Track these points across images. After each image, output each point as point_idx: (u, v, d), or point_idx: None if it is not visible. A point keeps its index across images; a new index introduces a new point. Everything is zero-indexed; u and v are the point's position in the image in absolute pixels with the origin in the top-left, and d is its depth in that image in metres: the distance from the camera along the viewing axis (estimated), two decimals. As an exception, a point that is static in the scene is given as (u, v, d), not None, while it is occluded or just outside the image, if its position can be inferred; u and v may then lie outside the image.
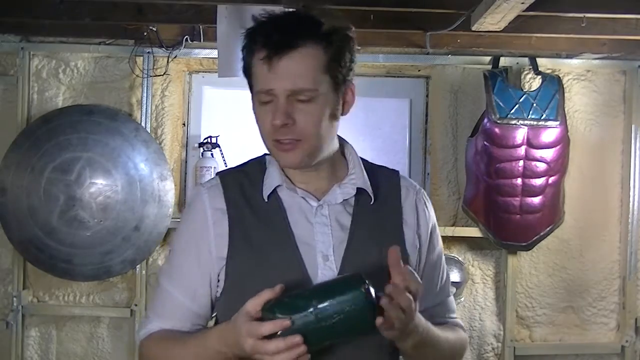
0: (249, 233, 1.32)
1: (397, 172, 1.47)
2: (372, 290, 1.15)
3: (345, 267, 1.30)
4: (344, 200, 1.35)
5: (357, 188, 1.36)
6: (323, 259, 1.30)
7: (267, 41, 1.24)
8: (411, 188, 1.44)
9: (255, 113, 1.32)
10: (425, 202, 1.45)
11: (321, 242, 1.31)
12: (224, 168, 2.93)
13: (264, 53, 1.24)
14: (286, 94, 1.24)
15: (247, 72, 1.32)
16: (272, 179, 1.35)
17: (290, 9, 1.31)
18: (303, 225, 1.32)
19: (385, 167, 1.47)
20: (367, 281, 1.16)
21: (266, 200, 1.34)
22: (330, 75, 1.27)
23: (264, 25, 1.27)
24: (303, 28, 1.25)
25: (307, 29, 1.25)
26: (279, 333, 1.13)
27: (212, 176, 2.97)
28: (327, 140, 1.32)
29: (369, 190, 1.37)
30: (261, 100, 1.28)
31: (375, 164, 1.45)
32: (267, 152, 1.43)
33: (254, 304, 1.16)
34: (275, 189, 1.35)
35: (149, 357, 1.37)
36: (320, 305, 1.13)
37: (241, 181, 1.38)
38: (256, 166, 1.40)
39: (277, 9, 1.32)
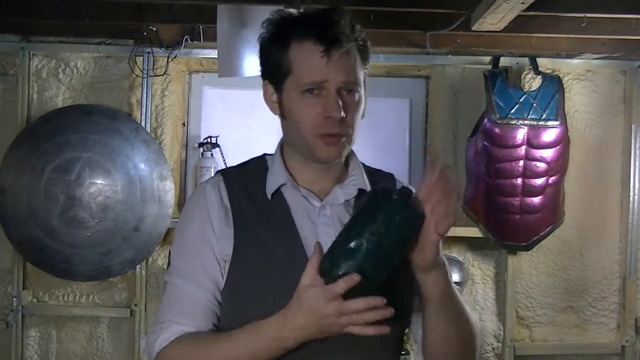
0: (254, 232, 1.32)
1: (392, 175, 1.49)
2: (401, 188, 1.18)
3: None
4: (345, 200, 1.36)
5: (358, 189, 1.37)
6: None
7: (323, 35, 1.25)
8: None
9: (289, 107, 1.31)
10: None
11: (324, 242, 1.31)
12: (223, 167, 2.94)
13: (322, 47, 1.25)
14: (338, 86, 1.27)
15: (280, 65, 1.30)
16: (277, 177, 1.35)
17: (292, 9, 1.31)
18: (307, 225, 1.32)
19: (380, 170, 1.48)
20: (391, 189, 1.18)
21: (270, 199, 1.34)
22: (363, 74, 1.33)
23: (311, 19, 1.29)
24: (347, 26, 1.28)
25: (349, 28, 1.28)
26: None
27: (215, 173, 2.98)
28: (356, 137, 1.35)
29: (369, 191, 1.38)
30: (306, 93, 1.28)
31: (371, 167, 1.46)
32: (267, 152, 1.44)
33: (310, 275, 1.15)
34: (279, 188, 1.35)
35: None
36: (374, 233, 1.12)
37: (244, 179, 1.38)
38: (257, 165, 1.40)
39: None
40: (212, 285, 1.32)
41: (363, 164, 1.44)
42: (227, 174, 1.41)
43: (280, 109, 1.34)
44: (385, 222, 1.14)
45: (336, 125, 1.27)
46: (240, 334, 1.25)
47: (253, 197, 1.35)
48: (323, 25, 1.26)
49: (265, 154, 1.43)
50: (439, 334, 1.31)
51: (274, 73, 1.32)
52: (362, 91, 1.32)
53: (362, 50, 1.31)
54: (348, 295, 1.12)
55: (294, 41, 1.28)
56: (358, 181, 1.38)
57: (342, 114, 1.26)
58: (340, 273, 1.12)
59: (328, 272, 1.13)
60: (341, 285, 1.11)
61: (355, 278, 1.10)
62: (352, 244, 1.13)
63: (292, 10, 1.33)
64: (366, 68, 1.34)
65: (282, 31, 1.30)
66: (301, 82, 1.28)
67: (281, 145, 1.40)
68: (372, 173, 1.44)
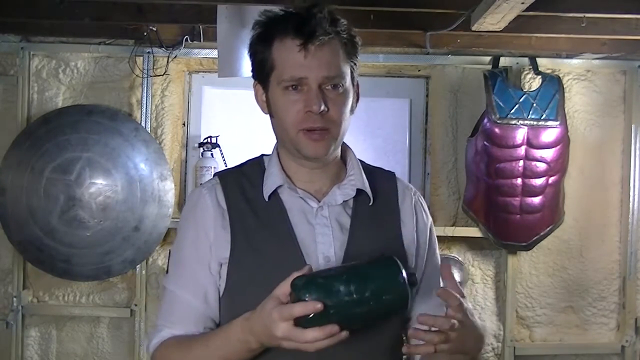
0: (251, 234, 1.32)
1: (393, 173, 1.48)
2: (406, 276, 1.14)
3: None
4: (344, 201, 1.36)
5: (356, 189, 1.37)
6: (324, 260, 1.30)
7: (301, 30, 1.26)
8: (407, 190, 1.46)
9: (274, 103, 1.32)
10: (422, 204, 1.47)
11: (322, 244, 1.32)
12: (223, 167, 2.94)
13: (299, 41, 1.26)
14: (319, 82, 1.27)
15: (265, 62, 1.31)
16: (273, 178, 1.35)
17: (290, 8, 1.32)
18: (304, 227, 1.32)
19: (381, 168, 1.48)
20: (402, 269, 1.14)
21: (267, 200, 1.34)
22: (349, 68, 1.32)
23: (291, 16, 1.30)
24: (329, 22, 1.28)
25: (332, 23, 1.28)
26: (311, 315, 1.09)
27: (212, 176, 2.98)
28: (345, 133, 1.34)
29: (368, 191, 1.38)
30: (288, 89, 1.29)
31: (371, 166, 1.46)
32: (265, 152, 1.44)
33: (284, 289, 1.13)
34: (276, 189, 1.35)
35: None
36: (357, 291, 1.10)
37: (241, 181, 1.38)
38: (254, 167, 1.40)
39: (276, 8, 1.33)
40: (203, 292, 1.33)
41: (363, 162, 1.44)
42: (224, 176, 1.41)
43: (268, 107, 1.35)
44: (376, 294, 1.11)
45: (318, 120, 1.27)
46: (211, 336, 1.27)
47: (250, 199, 1.35)
48: (301, 20, 1.27)
49: (263, 155, 1.43)
50: None
51: (261, 71, 1.33)
52: (349, 85, 1.32)
53: (347, 44, 1.31)
54: (310, 320, 1.10)
55: (277, 38, 1.29)
56: (356, 181, 1.37)
57: (323, 107, 1.26)
58: (305, 298, 1.09)
59: (297, 289, 1.11)
60: (297, 309, 1.09)
61: (317, 306, 1.08)
62: (336, 285, 1.10)
63: (277, 10, 1.33)
64: (353, 62, 1.33)
65: (266, 30, 1.31)
66: (282, 77, 1.29)
67: (277, 147, 1.40)
68: (372, 172, 1.44)
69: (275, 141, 1.41)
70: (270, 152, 1.43)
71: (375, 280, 1.12)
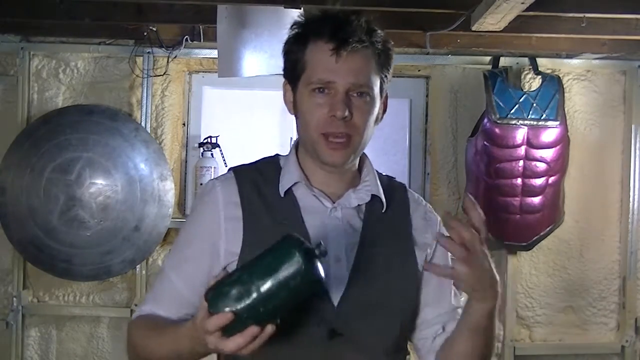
0: (263, 229, 1.32)
1: (404, 185, 1.49)
2: (309, 247, 1.11)
3: (356, 270, 1.30)
4: (357, 205, 1.36)
5: (371, 195, 1.37)
6: (335, 259, 1.30)
7: (335, 34, 1.27)
8: (419, 202, 1.46)
9: (300, 104, 1.33)
10: (433, 215, 1.47)
11: (334, 243, 1.31)
12: (224, 167, 2.94)
13: (332, 45, 1.26)
14: (346, 88, 1.27)
15: (297, 63, 1.32)
16: (291, 175, 1.35)
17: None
18: (316, 226, 1.32)
19: (394, 178, 1.48)
20: (301, 245, 1.11)
21: (282, 197, 1.34)
22: (379, 79, 1.32)
23: (329, 19, 1.30)
24: (365, 31, 1.29)
25: (368, 33, 1.29)
26: (229, 324, 1.09)
27: (212, 176, 2.98)
28: (366, 143, 1.35)
29: (382, 197, 1.38)
30: (315, 91, 1.29)
31: (384, 175, 1.46)
32: (280, 153, 1.44)
33: (203, 302, 1.13)
34: (291, 187, 1.35)
35: (130, 339, 1.36)
36: (263, 289, 1.08)
37: (255, 177, 1.38)
38: (270, 165, 1.41)
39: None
40: (193, 279, 1.33)
41: (377, 171, 1.44)
42: (239, 171, 1.40)
43: (294, 107, 1.36)
44: (282, 284, 1.09)
45: (340, 125, 1.28)
46: (166, 336, 1.27)
47: (264, 195, 1.35)
48: (337, 25, 1.28)
49: (278, 155, 1.44)
50: (461, 351, 1.37)
51: (292, 72, 1.34)
52: (376, 96, 1.32)
53: (380, 56, 1.31)
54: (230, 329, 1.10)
55: (311, 40, 1.30)
56: (372, 187, 1.38)
57: (346, 113, 1.26)
58: (218, 311, 1.09)
59: (209, 305, 1.11)
60: (212, 325, 1.09)
61: (227, 317, 1.08)
62: (241, 290, 1.09)
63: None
64: (384, 75, 1.33)
65: (303, 31, 1.33)
66: (311, 79, 1.29)
67: (296, 146, 1.41)
68: (386, 181, 1.44)
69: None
70: (274, 153, 1.43)
71: (276, 271, 1.09)
